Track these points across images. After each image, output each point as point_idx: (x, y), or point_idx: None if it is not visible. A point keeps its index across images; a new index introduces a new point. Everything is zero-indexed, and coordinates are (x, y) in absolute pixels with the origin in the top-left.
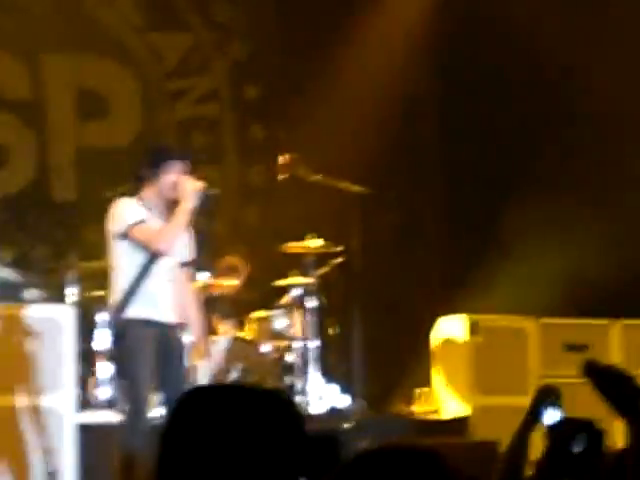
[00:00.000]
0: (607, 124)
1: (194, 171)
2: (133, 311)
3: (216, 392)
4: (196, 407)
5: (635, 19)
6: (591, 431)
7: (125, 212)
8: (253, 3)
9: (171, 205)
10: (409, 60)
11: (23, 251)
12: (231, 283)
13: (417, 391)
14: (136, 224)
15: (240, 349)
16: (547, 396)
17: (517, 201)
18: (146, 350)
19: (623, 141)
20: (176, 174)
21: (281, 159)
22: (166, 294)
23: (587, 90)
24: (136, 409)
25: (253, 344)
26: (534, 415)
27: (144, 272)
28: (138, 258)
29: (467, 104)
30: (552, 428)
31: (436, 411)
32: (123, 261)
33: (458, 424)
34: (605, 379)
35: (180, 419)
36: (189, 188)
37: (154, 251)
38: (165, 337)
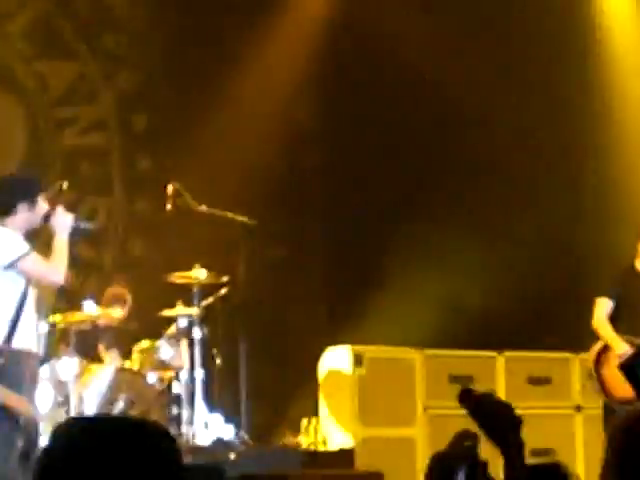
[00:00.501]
0: (485, 155)
1: (81, 201)
2: (18, 342)
3: (91, 424)
4: (70, 439)
5: (523, 57)
6: (472, 463)
7: (10, 242)
8: (141, 33)
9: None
10: (295, 92)
11: None
12: (117, 313)
13: (304, 422)
14: (27, 254)
15: (126, 380)
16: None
17: (400, 232)
18: (32, 381)
19: (501, 171)
20: (48, 205)
21: (168, 190)
22: (35, 325)
23: (470, 121)
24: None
25: (139, 374)
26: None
27: (23, 302)
28: (18, 288)
29: (351, 136)
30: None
31: (323, 442)
32: (4, 291)
33: (344, 455)
34: (481, 408)
35: (54, 451)
36: (61, 219)
37: (49, 282)
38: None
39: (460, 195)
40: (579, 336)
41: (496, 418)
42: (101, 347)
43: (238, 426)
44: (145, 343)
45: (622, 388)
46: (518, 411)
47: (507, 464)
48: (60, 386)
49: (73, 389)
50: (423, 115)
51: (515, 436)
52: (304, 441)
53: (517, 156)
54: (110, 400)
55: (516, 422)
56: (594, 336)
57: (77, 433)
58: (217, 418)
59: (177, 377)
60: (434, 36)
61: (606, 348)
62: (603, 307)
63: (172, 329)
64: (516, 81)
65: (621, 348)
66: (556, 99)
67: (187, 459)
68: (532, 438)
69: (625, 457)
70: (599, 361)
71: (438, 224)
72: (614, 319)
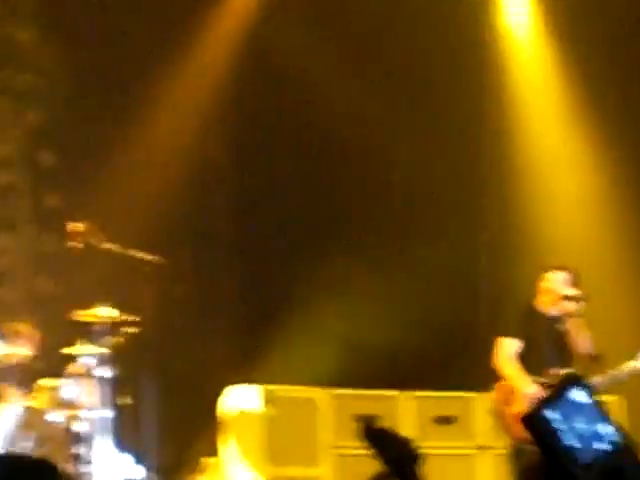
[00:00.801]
0: (389, 190)
1: None
2: None
3: None
4: None
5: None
6: None
7: None
8: (49, 69)
9: None
10: (205, 129)
11: None
12: (24, 351)
13: (203, 461)
14: None
15: (29, 418)
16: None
17: (308, 269)
18: None
19: (405, 206)
20: None
21: (72, 227)
22: None
23: (377, 157)
24: None
25: (41, 413)
26: None
27: None
28: None
29: (260, 172)
30: None
31: None
32: None
33: None
34: (381, 443)
35: None
36: None
37: None
38: None
39: (366, 230)
40: (482, 375)
41: (396, 452)
42: (4, 385)
43: (147, 466)
44: (46, 381)
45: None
46: (422, 450)
47: None
48: None
49: None
50: (330, 150)
51: (414, 469)
52: None
53: (420, 190)
54: (14, 439)
55: (415, 456)
56: (496, 375)
57: None
58: (127, 458)
59: (80, 416)
60: (341, 71)
61: (512, 387)
62: (509, 347)
63: (76, 367)
64: (419, 116)
65: (529, 388)
66: (455, 134)
67: None
68: (437, 478)
69: None
70: (505, 401)
71: (346, 260)
72: (520, 359)
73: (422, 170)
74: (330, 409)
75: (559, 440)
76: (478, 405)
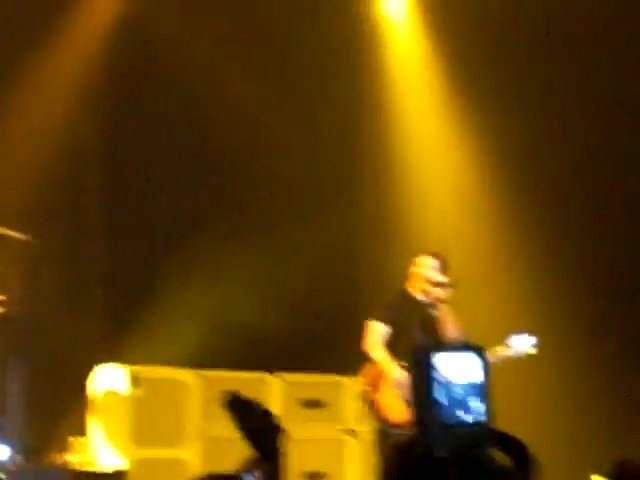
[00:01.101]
0: (261, 173)
1: None
2: None
3: None
4: None
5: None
6: None
7: None
8: None
9: None
10: (77, 108)
11: None
12: None
13: (71, 440)
14: None
15: None
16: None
17: (178, 250)
18: None
19: (278, 189)
20: None
21: None
22: None
23: (250, 142)
24: None
25: None
26: None
27: None
28: None
29: (132, 154)
30: None
31: (91, 462)
32: None
33: (116, 476)
34: (241, 411)
35: None
36: None
37: None
38: None
39: (239, 212)
40: (353, 358)
41: (256, 422)
42: None
43: (12, 446)
44: None
45: (395, 412)
46: (291, 434)
47: (267, 470)
48: None
49: None
50: (204, 132)
51: (274, 441)
52: (73, 460)
53: (297, 174)
54: None
55: (275, 427)
56: (366, 359)
57: None
58: None
59: None
60: (215, 55)
61: (380, 372)
62: (377, 331)
63: None
64: (295, 100)
65: (396, 373)
66: (333, 120)
67: None
68: (304, 461)
69: None
70: (372, 385)
71: (218, 242)
72: (389, 344)
73: (299, 154)
74: (198, 390)
75: (430, 389)
76: (348, 389)
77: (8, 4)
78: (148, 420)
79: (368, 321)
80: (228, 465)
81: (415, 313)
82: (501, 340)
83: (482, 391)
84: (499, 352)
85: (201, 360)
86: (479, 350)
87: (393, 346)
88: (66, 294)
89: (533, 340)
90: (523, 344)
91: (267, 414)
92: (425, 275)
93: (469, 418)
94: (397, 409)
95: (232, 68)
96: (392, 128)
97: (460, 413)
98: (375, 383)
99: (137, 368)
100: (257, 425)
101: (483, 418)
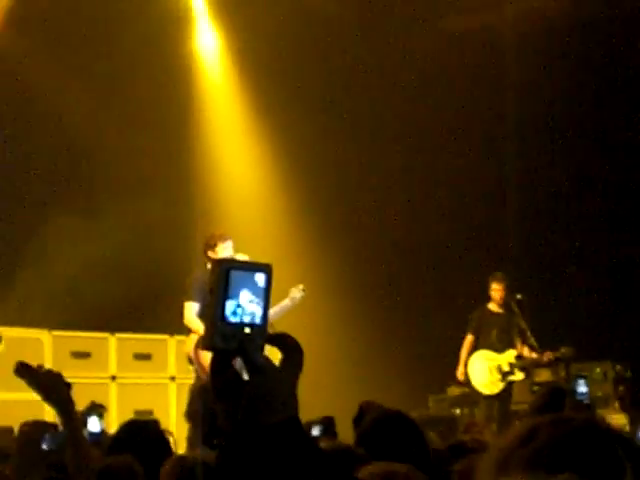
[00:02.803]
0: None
1: None
2: None
3: None
4: None
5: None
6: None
7: None
8: None
9: None
10: None
11: None
12: None
13: None
14: None
15: None
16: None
17: (37, 221)
18: None
19: (109, 182)
20: None
21: None
22: None
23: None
24: None
25: None
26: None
27: None
28: None
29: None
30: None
31: None
32: None
33: None
34: (27, 375)
35: None
36: None
37: None
38: None
39: (84, 200)
40: (175, 320)
41: (46, 382)
42: None
43: None
44: None
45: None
46: (125, 381)
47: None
48: None
49: None
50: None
51: (63, 395)
52: None
53: (133, 173)
54: None
55: (65, 385)
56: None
57: None
58: None
59: None
60: (62, 77)
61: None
62: (191, 309)
63: None
64: (131, 112)
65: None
66: (161, 130)
67: None
68: (137, 402)
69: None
70: (196, 348)
71: (70, 223)
72: (200, 317)
73: (136, 158)
74: (52, 348)
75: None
76: (171, 345)
77: None
78: (7, 368)
79: (184, 302)
80: None
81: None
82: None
83: (263, 301)
84: (282, 303)
85: (54, 321)
86: (266, 268)
87: (204, 318)
88: None
89: (301, 287)
90: (296, 293)
91: (55, 376)
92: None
93: (247, 319)
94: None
95: (78, 98)
96: (210, 140)
97: (242, 316)
98: (198, 347)
99: (1, 327)
100: (46, 383)
101: (259, 321)
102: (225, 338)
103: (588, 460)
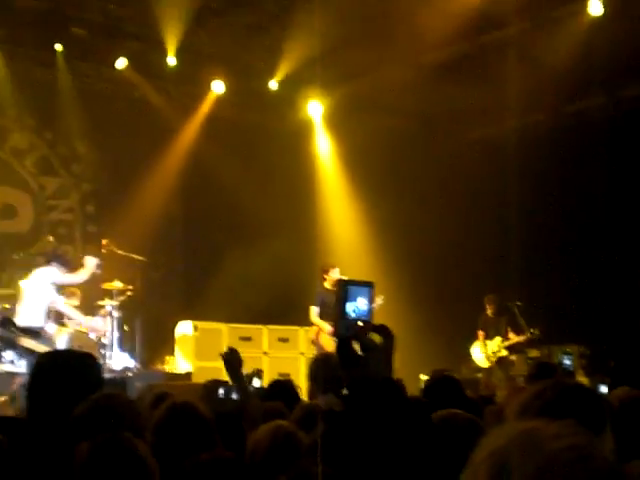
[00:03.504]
0: (251, 225)
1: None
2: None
3: (59, 353)
4: (51, 358)
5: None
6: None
7: None
8: (92, 162)
9: None
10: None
11: None
12: (74, 304)
13: (166, 358)
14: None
15: (78, 336)
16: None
17: (225, 257)
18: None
19: (254, 226)
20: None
21: (103, 242)
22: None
23: (243, 205)
24: None
25: (85, 333)
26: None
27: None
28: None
29: (202, 218)
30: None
31: (175, 368)
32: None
33: (187, 376)
34: (228, 357)
35: (41, 365)
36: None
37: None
38: None
39: (248, 241)
40: (303, 318)
41: (233, 361)
42: (67, 320)
43: (135, 359)
44: (88, 318)
45: (328, 346)
46: (272, 355)
47: (239, 391)
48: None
49: (54, 339)
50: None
51: (238, 371)
52: (166, 367)
53: (271, 218)
54: (71, 345)
55: (239, 361)
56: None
57: (54, 355)
58: (125, 356)
59: (105, 335)
60: (239, 176)
61: (319, 329)
62: (314, 310)
63: (102, 311)
64: (274, 190)
65: (327, 329)
66: (292, 202)
67: (107, 375)
68: (280, 368)
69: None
70: (317, 335)
71: (240, 252)
72: (320, 316)
73: (270, 208)
74: (227, 334)
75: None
76: (301, 333)
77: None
78: (203, 348)
79: (310, 306)
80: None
81: (330, 298)
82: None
83: (369, 304)
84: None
85: (232, 317)
86: (371, 284)
87: (323, 316)
88: (160, 287)
89: (382, 297)
90: (379, 300)
91: (233, 353)
92: (336, 276)
93: (360, 316)
94: (329, 345)
95: (244, 179)
96: (320, 192)
97: (356, 314)
98: (318, 334)
99: (196, 322)
100: (234, 362)
101: (366, 317)
102: (346, 328)
103: (581, 410)
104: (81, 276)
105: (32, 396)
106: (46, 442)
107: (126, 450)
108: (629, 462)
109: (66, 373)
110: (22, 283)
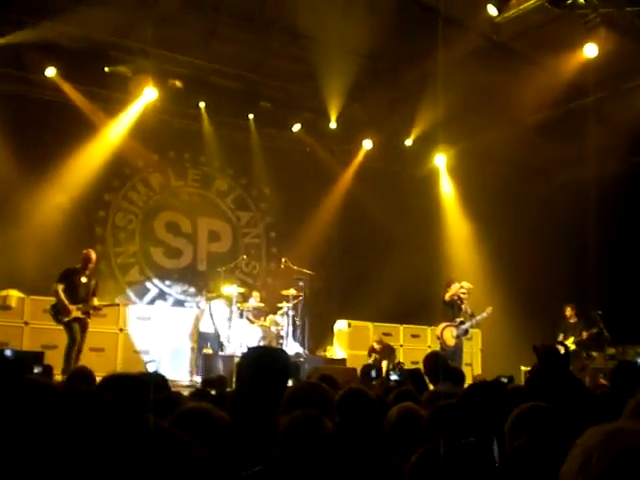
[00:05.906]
0: (389, 248)
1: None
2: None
3: (256, 349)
4: (253, 351)
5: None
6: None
7: None
8: (270, 199)
9: None
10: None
11: None
12: (255, 302)
13: (327, 347)
14: None
15: (265, 330)
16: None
17: (376, 269)
18: None
19: (396, 249)
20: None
21: (283, 261)
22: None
23: (383, 234)
24: None
25: (268, 327)
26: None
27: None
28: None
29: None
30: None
31: (333, 354)
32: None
33: (342, 361)
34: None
35: (247, 356)
36: None
37: None
38: None
39: (393, 260)
40: (433, 316)
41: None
42: (253, 318)
43: (304, 347)
44: (271, 316)
45: (449, 340)
46: (406, 347)
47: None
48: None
49: (245, 338)
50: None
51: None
52: (326, 353)
53: (406, 241)
54: (260, 339)
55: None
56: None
57: (254, 351)
58: (296, 345)
59: (282, 328)
60: (384, 212)
61: (445, 325)
62: (441, 314)
63: (281, 311)
64: (412, 230)
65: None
66: (421, 233)
67: None
68: (413, 358)
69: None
70: (443, 330)
71: (389, 265)
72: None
73: (407, 235)
74: (374, 332)
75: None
76: (428, 331)
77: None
78: (354, 342)
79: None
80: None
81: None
82: (481, 309)
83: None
84: (483, 314)
85: (376, 317)
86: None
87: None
88: (323, 294)
89: (490, 308)
90: (489, 310)
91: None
92: (456, 289)
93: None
94: (450, 340)
95: (383, 214)
96: (444, 222)
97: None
98: (443, 329)
99: (349, 320)
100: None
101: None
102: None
103: None
104: None
105: (246, 378)
106: (257, 416)
107: (315, 424)
108: None
109: (271, 364)
110: None
